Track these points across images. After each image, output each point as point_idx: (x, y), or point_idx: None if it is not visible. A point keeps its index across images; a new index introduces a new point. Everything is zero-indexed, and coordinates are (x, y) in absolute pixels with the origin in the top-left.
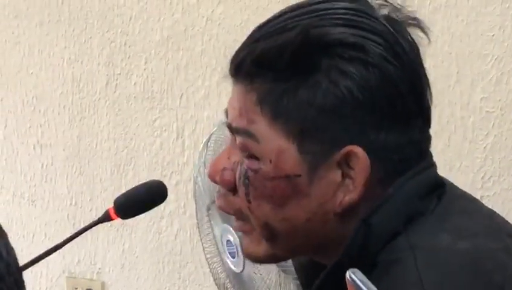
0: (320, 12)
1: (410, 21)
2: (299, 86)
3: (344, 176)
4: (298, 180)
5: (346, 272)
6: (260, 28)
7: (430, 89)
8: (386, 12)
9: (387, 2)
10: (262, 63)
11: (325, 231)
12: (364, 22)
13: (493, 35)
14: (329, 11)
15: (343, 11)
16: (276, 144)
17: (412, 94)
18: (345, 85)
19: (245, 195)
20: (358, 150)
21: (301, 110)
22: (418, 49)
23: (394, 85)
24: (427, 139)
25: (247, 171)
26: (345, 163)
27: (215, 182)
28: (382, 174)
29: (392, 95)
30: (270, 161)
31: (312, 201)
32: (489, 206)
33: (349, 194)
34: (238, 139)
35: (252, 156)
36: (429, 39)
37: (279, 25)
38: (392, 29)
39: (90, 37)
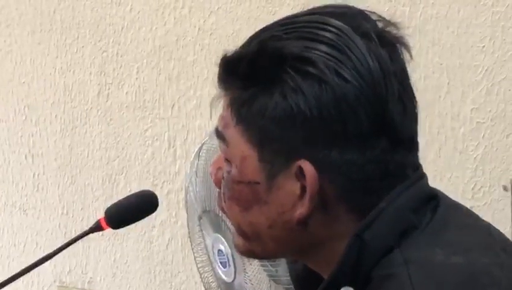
0: (296, 25)
1: (396, 38)
2: (256, 95)
3: (303, 189)
4: (257, 187)
5: (340, 288)
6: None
7: (412, 108)
8: (372, 28)
9: (383, 17)
10: (228, 70)
11: (291, 238)
12: (332, 39)
13: (483, 46)
14: (303, 24)
15: (317, 25)
16: (240, 150)
17: (371, 114)
18: (294, 100)
19: (222, 195)
20: (306, 165)
21: (257, 119)
22: (390, 69)
23: (348, 104)
24: (397, 159)
25: (224, 173)
26: (302, 176)
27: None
28: (341, 191)
29: (345, 114)
30: (236, 166)
31: (272, 209)
32: (482, 219)
33: (300, 209)
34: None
35: (226, 159)
36: (411, 57)
37: (255, 35)
38: (364, 48)
39: (82, 47)
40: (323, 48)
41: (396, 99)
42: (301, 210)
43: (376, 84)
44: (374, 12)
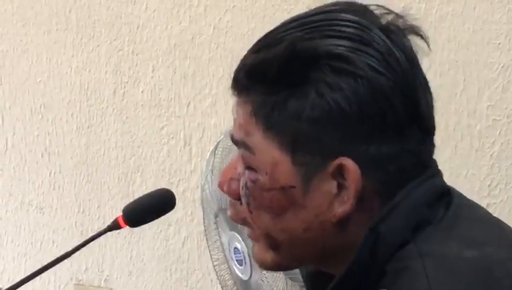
0: (313, 25)
1: (410, 29)
2: (288, 98)
3: (340, 187)
4: (293, 191)
5: (355, 281)
6: (259, 40)
7: (431, 98)
8: (387, 21)
9: (390, 10)
10: (253, 76)
11: (324, 241)
12: (356, 34)
13: (499, 43)
14: (322, 23)
15: (337, 22)
16: (271, 156)
17: (405, 105)
18: (332, 97)
19: (246, 205)
20: (348, 162)
21: (291, 122)
22: (414, 59)
23: (385, 96)
24: (427, 149)
25: (247, 182)
26: (339, 174)
27: (223, 192)
28: (378, 185)
29: (383, 107)
30: (266, 173)
31: (308, 212)
32: (496, 214)
33: (343, 206)
34: (239, 150)
35: (250, 168)
36: (429, 48)
37: (272, 38)
38: (387, 40)
39: (98, 46)
40: (350, 43)
41: (422, 89)
42: (344, 208)
43: (406, 75)
44: (382, 6)
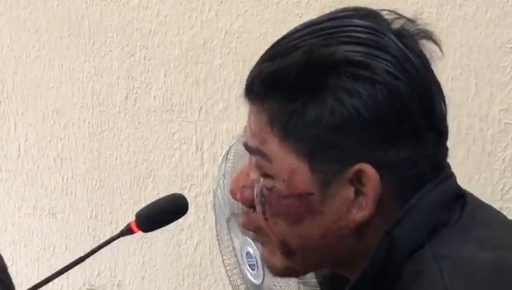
0: (328, 31)
1: (422, 34)
2: (306, 105)
3: (357, 193)
4: (311, 198)
5: (370, 284)
6: (271, 48)
7: (444, 102)
8: (399, 26)
9: (401, 15)
10: (270, 83)
11: (341, 247)
12: (372, 39)
13: (511, 47)
14: (337, 29)
15: (351, 28)
16: (288, 163)
17: (422, 109)
18: (351, 103)
19: (262, 213)
20: (367, 167)
21: (309, 129)
22: (428, 64)
23: (402, 101)
24: (442, 152)
25: (263, 189)
26: (357, 180)
27: (236, 199)
28: (396, 190)
29: (401, 112)
30: (283, 180)
31: (326, 218)
32: (509, 218)
33: (361, 211)
34: (253, 158)
35: (266, 175)
36: (442, 52)
37: (287, 45)
38: (401, 45)
39: (110, 51)
40: (366, 49)
41: (437, 93)
42: (363, 213)
43: (422, 79)
44: (393, 11)
